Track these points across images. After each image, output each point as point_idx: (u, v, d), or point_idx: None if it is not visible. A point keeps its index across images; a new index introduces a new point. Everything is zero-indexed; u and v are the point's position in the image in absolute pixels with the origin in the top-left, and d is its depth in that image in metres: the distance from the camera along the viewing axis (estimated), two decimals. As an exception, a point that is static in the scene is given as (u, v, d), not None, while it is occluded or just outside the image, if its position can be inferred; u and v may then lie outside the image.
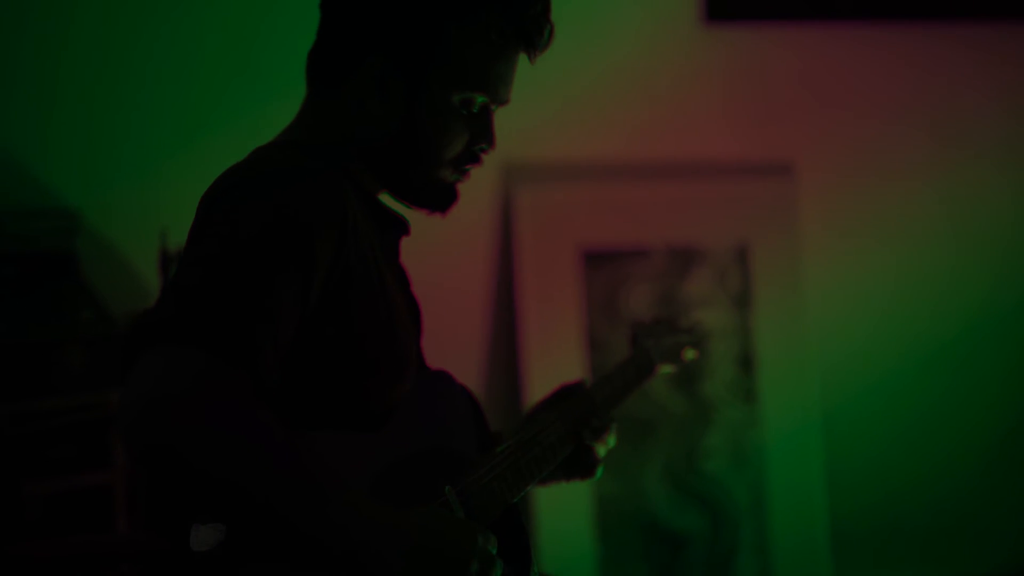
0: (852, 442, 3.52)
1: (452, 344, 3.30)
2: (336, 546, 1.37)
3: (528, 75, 1.79)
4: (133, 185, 3.10)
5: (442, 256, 3.25)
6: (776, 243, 3.40)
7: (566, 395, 2.03)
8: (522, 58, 1.70)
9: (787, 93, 3.48)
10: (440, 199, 1.72)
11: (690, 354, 2.29)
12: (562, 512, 3.26)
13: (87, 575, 1.65)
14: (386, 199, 1.75)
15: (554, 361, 3.26)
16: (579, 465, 1.97)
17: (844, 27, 3.49)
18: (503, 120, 1.75)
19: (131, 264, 3.07)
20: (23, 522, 2.60)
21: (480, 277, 3.37)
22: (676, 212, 3.38)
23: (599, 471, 2.00)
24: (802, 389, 3.38)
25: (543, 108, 3.31)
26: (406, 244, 1.82)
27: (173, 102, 3.12)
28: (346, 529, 1.37)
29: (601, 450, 1.98)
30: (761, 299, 3.39)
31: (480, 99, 1.66)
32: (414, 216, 1.77)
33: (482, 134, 1.69)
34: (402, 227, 1.75)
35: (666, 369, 2.26)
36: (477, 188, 3.31)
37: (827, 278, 3.49)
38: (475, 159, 1.71)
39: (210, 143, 3.07)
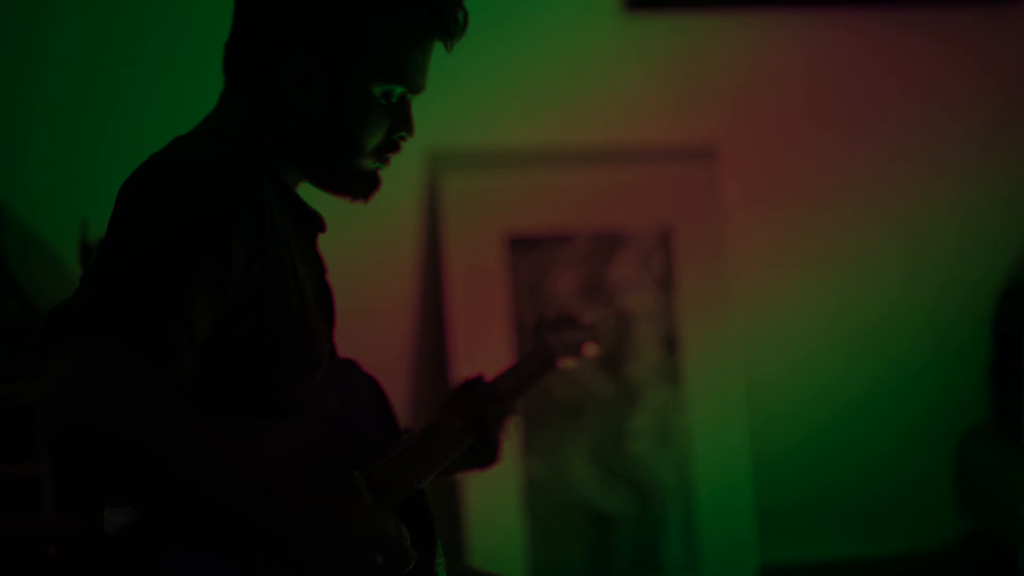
0: (776, 421, 3.57)
1: (380, 330, 3.33)
2: (256, 521, 1.39)
3: (453, 63, 1.82)
4: (55, 176, 3.10)
5: (369, 243, 3.28)
6: (699, 226, 3.44)
7: (469, 388, 2.06)
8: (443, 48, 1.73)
9: (708, 79, 3.52)
10: (362, 187, 1.75)
11: (591, 350, 2.33)
12: (490, 497, 3.29)
13: (13, 556, 1.66)
14: (305, 189, 1.77)
15: (481, 346, 3.29)
16: (481, 455, 2.01)
17: (764, 13, 3.53)
18: (429, 108, 1.78)
19: (55, 256, 3.07)
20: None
21: (407, 264, 3.39)
22: (600, 197, 3.42)
23: (498, 459, 2.04)
24: (726, 370, 3.43)
25: (468, 96, 3.34)
26: (333, 232, 1.84)
27: (94, 91, 3.11)
28: (264, 505, 1.40)
29: (501, 439, 2.02)
30: (685, 282, 3.44)
31: (399, 89, 1.69)
32: (340, 203, 1.80)
33: (401, 123, 1.72)
34: (317, 223, 1.77)
35: (568, 363, 2.30)
36: (403, 176, 3.34)
37: (750, 260, 3.54)
38: (395, 147, 1.74)
39: (132, 132, 3.07)
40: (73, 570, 1.48)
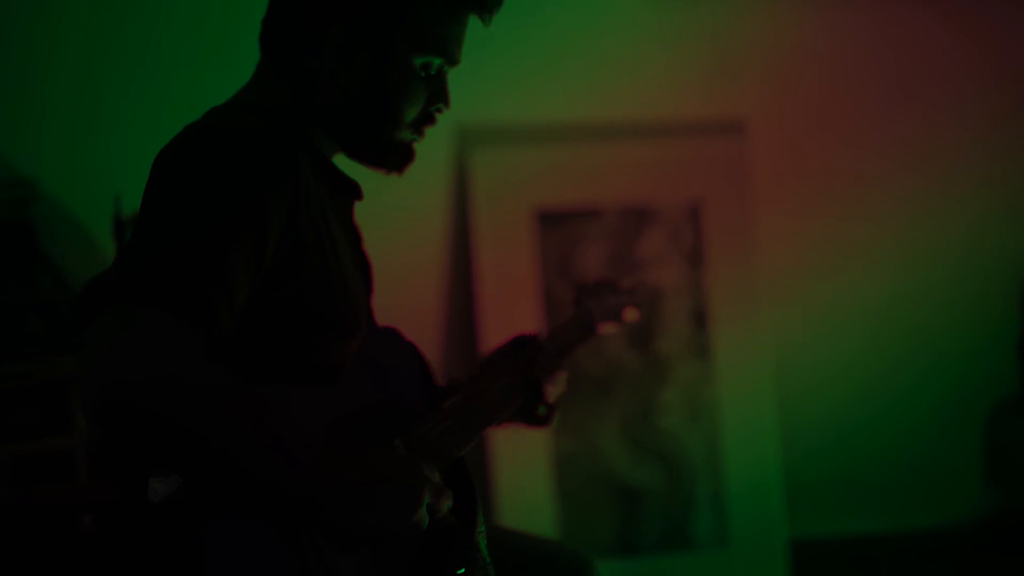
0: (805, 396, 3.57)
1: (410, 304, 3.34)
2: (293, 492, 1.40)
3: (483, 38, 1.82)
4: (87, 153, 3.11)
5: (400, 219, 3.28)
6: (728, 201, 3.44)
7: (518, 346, 2.07)
8: (475, 23, 1.74)
9: (738, 54, 3.51)
10: (398, 159, 1.75)
11: (631, 314, 2.33)
12: (521, 471, 3.30)
13: (49, 525, 1.67)
14: (340, 161, 1.78)
15: (510, 320, 3.30)
16: (532, 413, 2.02)
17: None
18: (459, 84, 1.78)
19: (87, 231, 3.09)
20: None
21: (437, 239, 3.40)
22: (629, 172, 3.42)
23: (554, 420, 2.05)
24: (755, 344, 3.43)
25: (497, 71, 3.34)
26: (365, 207, 1.85)
27: (124, 68, 3.12)
28: (301, 476, 1.41)
29: (551, 393, 2.03)
30: (714, 256, 3.44)
31: (437, 61, 1.69)
32: (372, 178, 1.81)
33: (438, 95, 1.73)
34: (355, 192, 1.78)
35: (608, 329, 2.30)
36: (433, 151, 3.35)
37: (778, 235, 3.54)
38: (431, 119, 1.75)
39: (162, 107, 3.08)
40: (110, 539, 1.49)
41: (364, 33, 1.64)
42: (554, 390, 2.04)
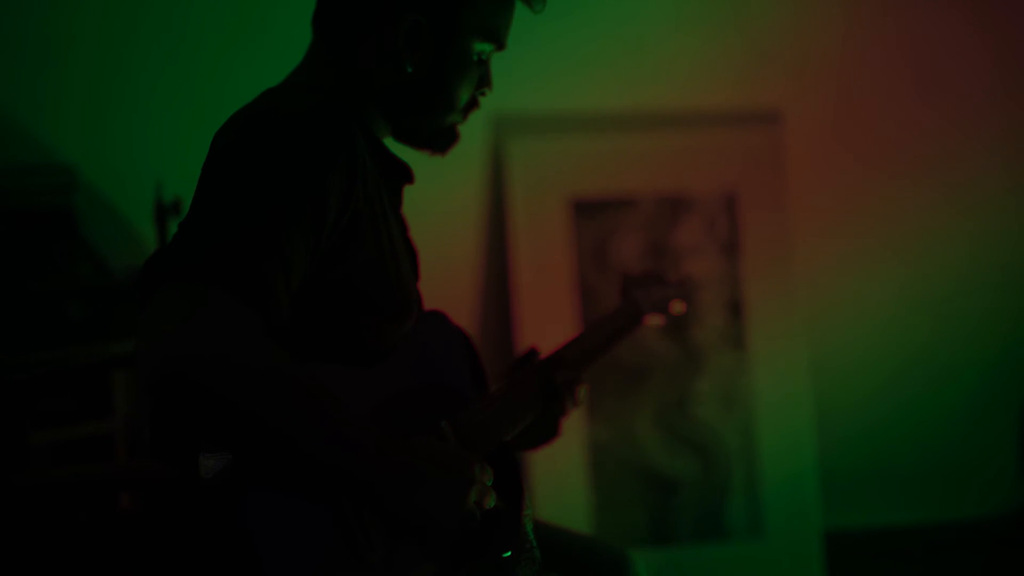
0: (840, 386, 3.56)
1: (447, 293, 3.33)
2: (346, 472, 1.41)
3: (518, 27, 1.83)
4: (127, 139, 3.13)
5: (436, 207, 3.29)
6: (764, 191, 3.43)
7: (528, 359, 2.04)
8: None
9: (773, 42, 3.50)
10: (445, 141, 1.80)
11: (678, 307, 2.32)
12: (555, 460, 3.31)
13: (87, 503, 1.69)
14: (389, 143, 1.79)
15: (546, 309, 3.31)
16: (541, 429, 1.97)
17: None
18: (494, 73, 1.80)
19: (128, 218, 3.11)
20: (28, 470, 2.65)
21: (473, 227, 3.40)
22: (665, 161, 3.42)
23: (559, 433, 2.01)
24: (790, 334, 3.42)
25: (534, 60, 3.34)
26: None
27: (165, 55, 3.14)
28: (355, 457, 1.42)
29: (569, 404, 1.98)
30: (749, 246, 3.43)
31: (490, 48, 1.72)
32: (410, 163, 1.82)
33: (485, 79, 1.77)
34: (406, 175, 1.79)
35: (654, 320, 2.30)
36: (469, 140, 3.32)
37: (814, 225, 3.53)
38: (476, 103, 1.79)
39: (202, 94, 3.09)
40: (152, 517, 1.50)
41: (432, 19, 1.66)
42: (570, 404, 1.99)
